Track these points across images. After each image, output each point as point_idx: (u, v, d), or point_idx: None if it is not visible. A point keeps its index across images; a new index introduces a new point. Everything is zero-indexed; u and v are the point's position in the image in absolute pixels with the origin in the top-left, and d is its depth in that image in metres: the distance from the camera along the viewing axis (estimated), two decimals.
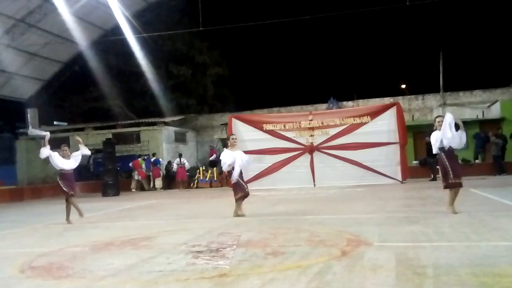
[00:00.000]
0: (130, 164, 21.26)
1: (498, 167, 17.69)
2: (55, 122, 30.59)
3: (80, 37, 24.59)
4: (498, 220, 6.71)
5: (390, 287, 3.65)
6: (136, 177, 21.20)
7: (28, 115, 27.53)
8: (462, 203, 7.80)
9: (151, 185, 21.58)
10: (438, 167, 8.09)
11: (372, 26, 34.01)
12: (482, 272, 3.93)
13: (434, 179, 16.28)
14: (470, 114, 23.67)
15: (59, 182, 9.42)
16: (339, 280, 3.94)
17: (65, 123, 30.78)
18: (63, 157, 9.50)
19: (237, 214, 8.74)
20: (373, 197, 11.73)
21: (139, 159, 21.36)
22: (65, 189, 9.36)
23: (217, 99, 31.85)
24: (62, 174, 9.45)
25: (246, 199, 8.91)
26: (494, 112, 22.64)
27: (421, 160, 17.86)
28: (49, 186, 22.42)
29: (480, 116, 23.22)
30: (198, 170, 21.74)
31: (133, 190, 20.83)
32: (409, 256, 4.69)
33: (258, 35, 31.92)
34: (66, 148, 9.75)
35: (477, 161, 19.98)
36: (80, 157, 9.72)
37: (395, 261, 4.48)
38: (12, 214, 13.26)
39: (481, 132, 20.57)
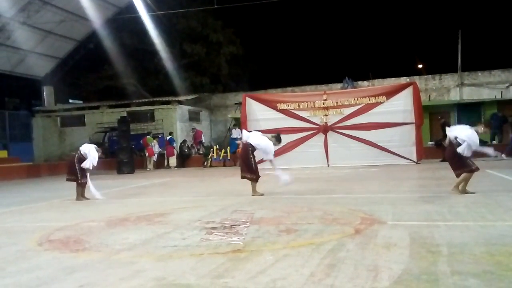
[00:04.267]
0: (141, 142, 21.42)
1: None
2: (70, 100, 30.87)
3: (95, 15, 24.55)
4: None
5: (403, 264, 3.65)
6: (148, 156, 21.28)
7: (44, 93, 27.84)
8: (478, 184, 7.73)
9: (165, 164, 21.74)
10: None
11: (389, 4, 33.35)
12: (498, 251, 3.90)
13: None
14: (489, 94, 23.26)
15: (76, 165, 9.36)
16: (352, 257, 3.95)
17: (80, 101, 31.04)
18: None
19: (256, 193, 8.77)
20: (388, 177, 11.68)
21: (148, 136, 21.43)
22: (79, 176, 9.32)
23: (231, 78, 31.71)
24: (80, 159, 9.42)
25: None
26: None
27: (437, 140, 17.67)
28: (65, 163, 22.77)
29: (499, 97, 22.80)
30: (212, 149, 21.83)
31: (149, 169, 20.94)
32: (423, 234, 4.67)
33: (272, 14, 31.57)
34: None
35: (494, 142, 19.70)
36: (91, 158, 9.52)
37: (409, 240, 4.47)
38: (29, 190, 13.51)
39: (498, 112, 20.24)
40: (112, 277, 3.72)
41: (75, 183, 9.46)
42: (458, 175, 7.59)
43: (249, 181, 8.82)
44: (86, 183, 9.43)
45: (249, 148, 8.75)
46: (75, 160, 9.41)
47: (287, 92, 24.77)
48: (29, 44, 24.14)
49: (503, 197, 7.08)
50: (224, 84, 31.14)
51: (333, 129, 17.00)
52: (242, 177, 8.86)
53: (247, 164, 8.73)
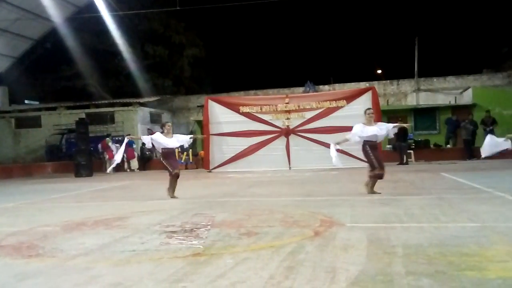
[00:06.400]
0: (99, 146, 20.94)
1: (468, 152, 18.07)
2: (26, 101, 29.84)
3: (53, 14, 23.86)
4: (466, 203, 6.89)
5: (360, 265, 3.72)
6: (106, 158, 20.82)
7: None
8: (433, 186, 7.96)
9: (126, 167, 21.31)
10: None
11: (349, 11, 34.08)
12: (450, 252, 4.03)
13: (404, 163, 16.72)
14: (443, 99, 24.13)
15: (163, 162, 9.19)
16: (311, 259, 3.99)
17: (37, 102, 30.05)
18: (166, 133, 9.19)
19: (371, 191, 8.49)
20: (347, 180, 11.89)
21: (107, 139, 21.04)
22: (169, 169, 9.15)
23: (194, 81, 31.55)
24: (165, 152, 9.20)
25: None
26: (466, 98, 23.11)
27: (394, 144, 18.14)
28: (19, 166, 21.99)
29: (453, 102, 23.68)
30: None
31: (109, 172, 20.44)
32: (380, 236, 4.78)
33: (235, 17, 31.64)
34: (170, 124, 9.57)
35: (448, 145, 20.41)
36: (185, 141, 9.67)
37: (366, 241, 4.56)
38: None
39: (452, 117, 21.00)
40: (67, 284, 3.61)
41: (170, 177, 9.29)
42: None
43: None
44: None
45: (366, 146, 8.50)
46: (161, 159, 9.40)
47: (249, 95, 24.85)
48: None
49: (456, 199, 7.34)
50: (187, 87, 30.93)
51: (295, 132, 17.15)
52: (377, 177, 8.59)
53: (367, 162, 8.60)
